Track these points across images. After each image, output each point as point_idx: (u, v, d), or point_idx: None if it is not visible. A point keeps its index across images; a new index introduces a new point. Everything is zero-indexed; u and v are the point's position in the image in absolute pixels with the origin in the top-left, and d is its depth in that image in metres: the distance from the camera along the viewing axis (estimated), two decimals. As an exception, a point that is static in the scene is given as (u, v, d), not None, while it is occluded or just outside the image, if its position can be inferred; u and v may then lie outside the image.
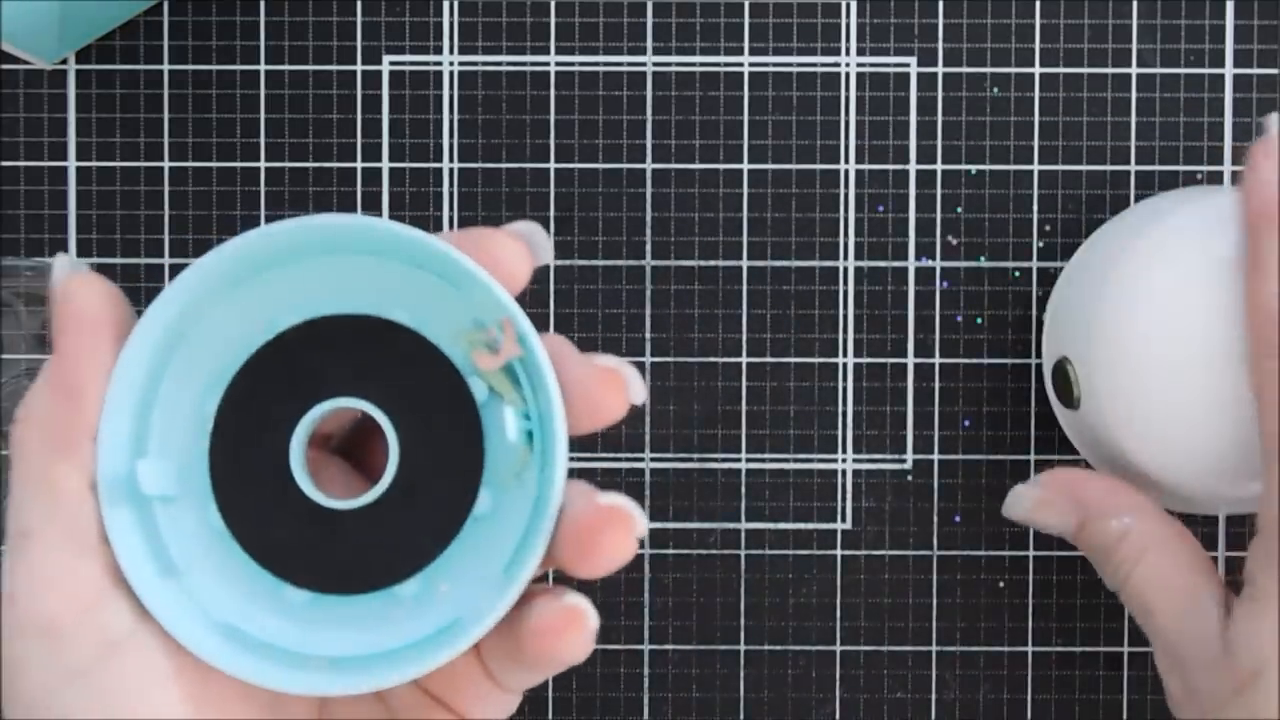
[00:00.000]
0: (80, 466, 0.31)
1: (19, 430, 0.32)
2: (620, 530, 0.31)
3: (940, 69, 0.48)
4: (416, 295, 0.32)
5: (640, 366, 0.48)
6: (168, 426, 0.32)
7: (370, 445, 0.36)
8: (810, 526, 0.49)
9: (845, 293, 0.48)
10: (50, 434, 0.31)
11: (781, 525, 0.49)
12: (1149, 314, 0.42)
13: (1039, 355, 0.48)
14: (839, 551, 0.48)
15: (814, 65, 0.48)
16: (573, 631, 0.31)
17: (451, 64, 0.48)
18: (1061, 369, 0.44)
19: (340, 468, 0.36)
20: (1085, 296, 0.44)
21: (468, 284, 0.31)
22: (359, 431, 0.37)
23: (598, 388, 0.31)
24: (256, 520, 0.32)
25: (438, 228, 0.48)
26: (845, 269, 0.48)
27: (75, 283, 0.32)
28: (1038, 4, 0.48)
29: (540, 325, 0.48)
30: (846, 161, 0.48)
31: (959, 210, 0.48)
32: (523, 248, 0.32)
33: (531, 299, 0.48)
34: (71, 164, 0.48)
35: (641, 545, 0.49)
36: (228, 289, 0.32)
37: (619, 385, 0.32)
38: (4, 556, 0.32)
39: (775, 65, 0.48)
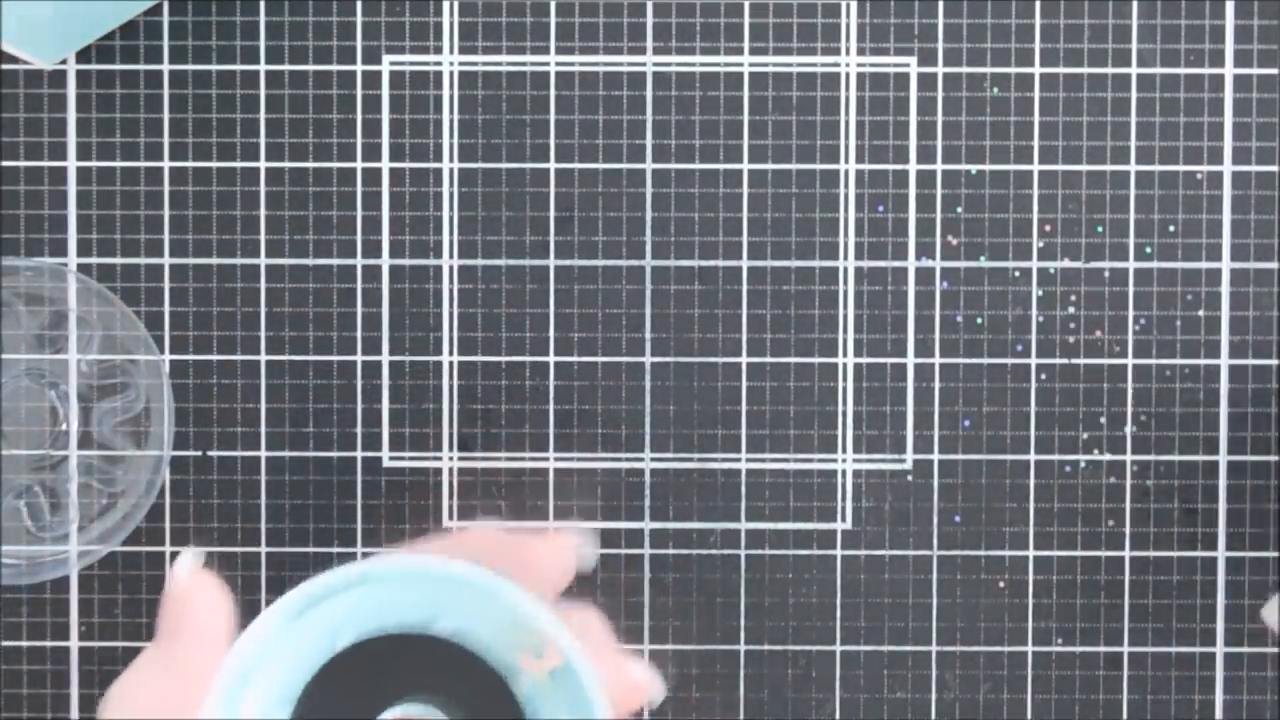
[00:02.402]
0: None
1: (109, 712, 0.34)
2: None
3: (940, 69, 0.48)
4: (460, 606, 0.34)
5: (640, 367, 0.49)
6: None
7: None
8: (810, 526, 0.49)
9: (845, 293, 0.48)
10: None
11: (781, 525, 0.49)
12: None
13: (1039, 355, 0.48)
14: (839, 551, 0.48)
15: (814, 65, 0.48)
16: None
17: (451, 64, 0.48)
18: None
19: None
20: None
21: (510, 603, 0.34)
22: None
23: (626, 698, 0.36)
24: None
25: (438, 230, 0.48)
26: (845, 269, 0.48)
27: (194, 586, 0.36)
28: (1038, 4, 0.48)
29: (540, 327, 0.49)
30: (846, 161, 0.48)
31: (959, 210, 0.48)
32: (570, 559, 0.36)
33: (531, 300, 0.48)
34: (71, 164, 0.48)
35: (641, 545, 0.49)
36: (288, 622, 0.35)
37: (642, 697, 0.36)
38: None
39: (775, 65, 0.48)
